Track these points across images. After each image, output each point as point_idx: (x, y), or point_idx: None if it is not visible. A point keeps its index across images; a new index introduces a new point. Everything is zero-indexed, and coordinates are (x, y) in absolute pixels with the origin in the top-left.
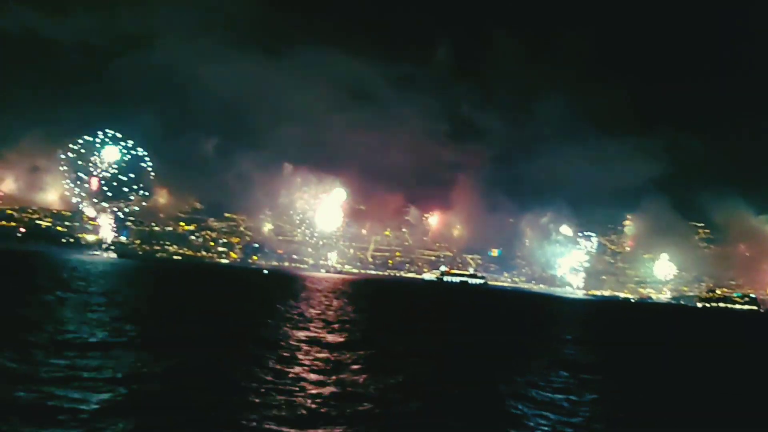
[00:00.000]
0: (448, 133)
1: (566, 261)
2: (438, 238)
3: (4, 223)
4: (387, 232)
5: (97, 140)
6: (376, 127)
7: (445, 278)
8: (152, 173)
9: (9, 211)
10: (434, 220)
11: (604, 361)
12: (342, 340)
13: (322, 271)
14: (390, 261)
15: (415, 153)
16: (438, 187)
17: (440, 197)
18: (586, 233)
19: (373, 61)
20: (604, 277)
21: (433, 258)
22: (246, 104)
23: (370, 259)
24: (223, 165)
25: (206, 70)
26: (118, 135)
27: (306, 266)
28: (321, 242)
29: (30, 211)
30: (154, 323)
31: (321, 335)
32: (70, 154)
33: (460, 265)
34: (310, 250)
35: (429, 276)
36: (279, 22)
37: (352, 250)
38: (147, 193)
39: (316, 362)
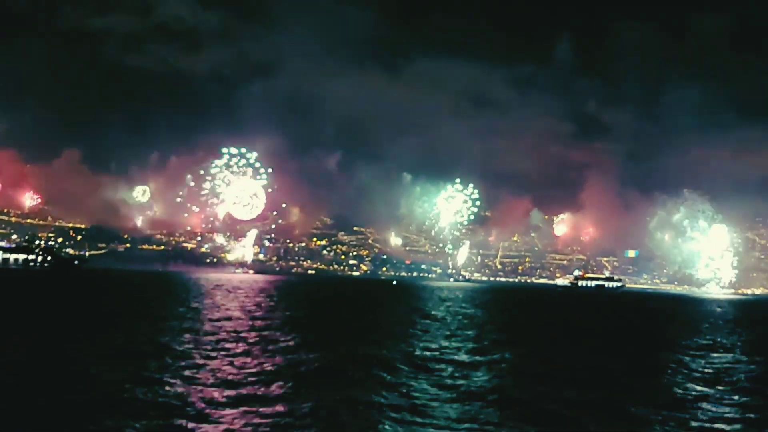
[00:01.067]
0: (573, 133)
1: (708, 259)
2: (569, 241)
3: (155, 247)
4: (515, 238)
5: (231, 164)
6: (499, 132)
7: (580, 283)
8: (281, 193)
9: (158, 236)
10: (564, 222)
11: None
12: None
13: (450, 280)
14: (520, 267)
15: (540, 155)
16: (566, 188)
17: (569, 199)
18: (729, 228)
19: (491, 66)
20: (754, 275)
21: (565, 262)
22: (367, 119)
23: (499, 266)
24: (348, 179)
25: (328, 89)
26: (249, 157)
27: (434, 276)
28: (447, 251)
29: (177, 234)
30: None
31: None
32: (208, 178)
33: (595, 269)
34: (438, 260)
35: (562, 281)
36: (394, 38)
37: (479, 258)
38: (274, 214)
39: None
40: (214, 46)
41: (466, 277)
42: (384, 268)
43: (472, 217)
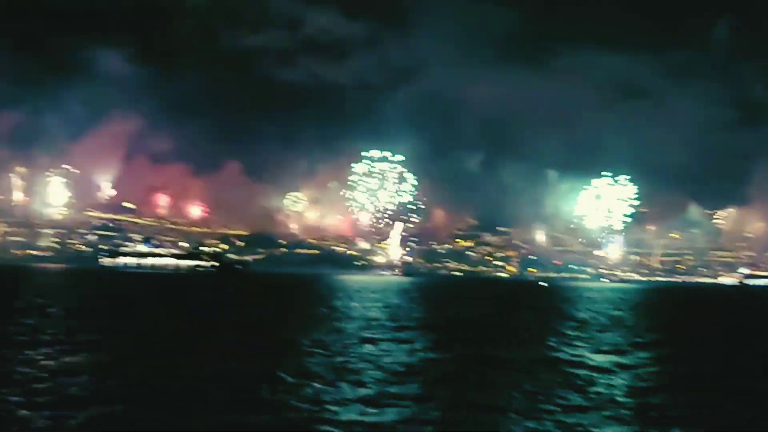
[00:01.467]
0: (736, 120)
1: None
2: (734, 237)
3: (308, 251)
4: (674, 235)
5: (375, 169)
6: (651, 122)
7: (749, 282)
8: (424, 195)
9: (309, 240)
10: (728, 217)
11: None
12: None
13: (603, 280)
14: (679, 266)
15: (699, 146)
16: (729, 180)
17: (732, 192)
18: None
19: (640, 54)
20: None
21: (731, 259)
22: (510, 117)
23: (658, 265)
24: (492, 179)
25: (470, 90)
26: (393, 161)
27: (585, 276)
28: (600, 250)
29: (328, 238)
30: None
31: None
32: (355, 184)
33: (764, 266)
34: (589, 259)
35: (728, 280)
36: (537, 33)
37: (635, 256)
38: (419, 216)
39: None
40: (359, 54)
41: (620, 278)
42: (531, 269)
43: (626, 213)
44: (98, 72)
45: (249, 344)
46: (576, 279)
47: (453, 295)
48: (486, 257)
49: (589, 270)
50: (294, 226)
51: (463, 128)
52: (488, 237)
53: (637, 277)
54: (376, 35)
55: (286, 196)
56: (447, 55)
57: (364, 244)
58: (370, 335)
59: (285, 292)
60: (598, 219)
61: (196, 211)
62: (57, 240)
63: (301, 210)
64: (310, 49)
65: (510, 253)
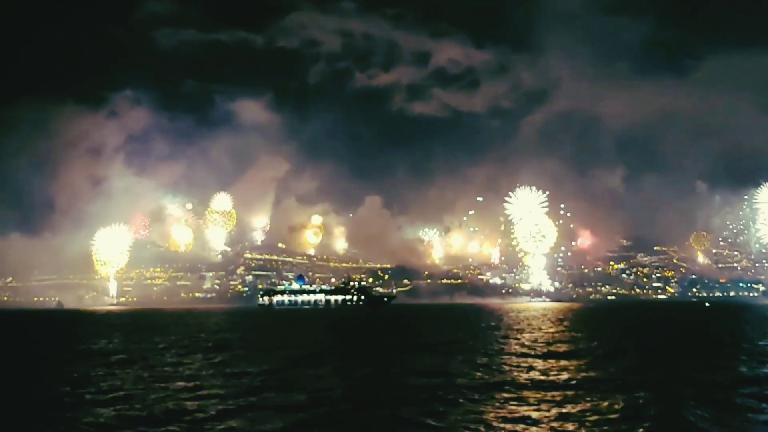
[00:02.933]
0: None
1: None
2: None
3: (453, 281)
4: None
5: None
6: None
7: None
8: (570, 217)
9: (455, 270)
10: None
11: None
12: None
13: None
14: None
15: None
16: None
17: None
18: None
19: None
20: None
21: None
22: (650, 129)
23: None
24: (636, 196)
25: (606, 105)
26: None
27: (756, 294)
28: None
29: (472, 268)
30: None
31: None
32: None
33: None
34: (759, 275)
35: None
36: (675, 39)
37: None
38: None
39: None
40: (491, 82)
41: None
42: (694, 289)
43: None
44: (241, 122)
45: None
46: (745, 297)
47: (611, 320)
48: (643, 279)
49: (761, 287)
50: (437, 257)
51: (602, 145)
52: (643, 258)
53: None
54: (506, 60)
55: (428, 227)
56: (580, 71)
57: (508, 272)
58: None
59: (426, 321)
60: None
61: (342, 247)
62: (218, 282)
63: (443, 240)
64: (442, 80)
65: (668, 273)
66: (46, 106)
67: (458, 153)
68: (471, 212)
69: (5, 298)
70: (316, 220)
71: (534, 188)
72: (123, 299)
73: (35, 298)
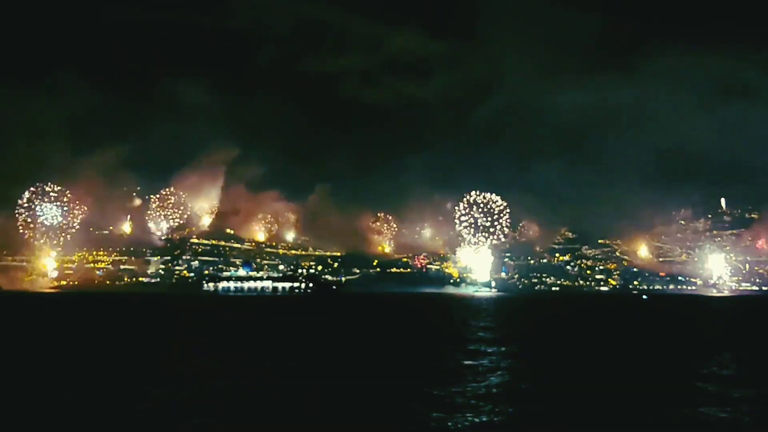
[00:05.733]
0: None
1: None
2: None
3: (402, 270)
4: None
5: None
6: (757, 122)
7: None
8: (514, 209)
9: (404, 259)
10: None
11: None
12: None
13: (714, 291)
14: None
15: None
16: None
17: None
18: None
19: (745, 50)
20: None
21: None
22: (592, 124)
23: None
24: (584, 190)
25: (550, 99)
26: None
27: (693, 287)
28: (705, 259)
29: (422, 257)
30: None
31: None
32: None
33: None
34: (699, 269)
35: None
36: (623, 37)
37: (747, 265)
38: (513, 231)
39: None
40: (443, 72)
41: (734, 287)
42: (635, 282)
43: (727, 219)
44: (184, 103)
45: None
46: (684, 291)
47: (539, 312)
48: (586, 271)
49: (698, 281)
50: (387, 246)
51: (546, 138)
52: (587, 250)
53: (751, 287)
54: (458, 51)
55: (379, 216)
56: (529, 64)
57: (458, 262)
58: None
59: (379, 310)
60: (700, 226)
61: (291, 235)
62: (163, 267)
63: (394, 229)
64: (394, 69)
65: (611, 266)
66: None
67: (408, 142)
68: (419, 202)
69: None
70: (266, 206)
71: (480, 180)
72: (64, 282)
73: None
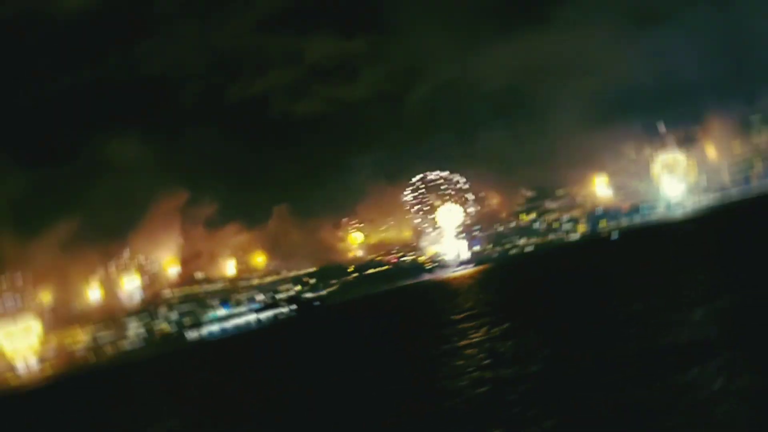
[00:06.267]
0: None
1: None
2: None
3: (376, 269)
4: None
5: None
6: (675, 43)
7: None
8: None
9: (378, 258)
10: None
11: None
12: None
13: (679, 212)
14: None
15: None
16: None
17: None
18: None
19: None
20: None
21: None
22: (526, 81)
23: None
24: (529, 149)
25: (475, 69)
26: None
27: (657, 214)
28: (661, 185)
29: (394, 251)
30: None
31: None
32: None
33: None
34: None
35: None
36: None
37: (705, 178)
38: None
39: None
40: (367, 68)
41: (697, 202)
42: (602, 223)
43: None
44: (120, 160)
45: None
46: (650, 220)
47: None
48: (553, 224)
49: (660, 208)
50: (358, 250)
51: (482, 107)
52: (549, 204)
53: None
54: (378, 45)
55: (342, 224)
56: (445, 40)
57: (429, 248)
58: None
59: (363, 315)
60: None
61: (261, 263)
62: (142, 329)
63: (360, 233)
64: (319, 76)
65: (575, 213)
66: None
67: (351, 143)
68: (376, 199)
69: None
70: (228, 241)
71: (430, 163)
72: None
73: None
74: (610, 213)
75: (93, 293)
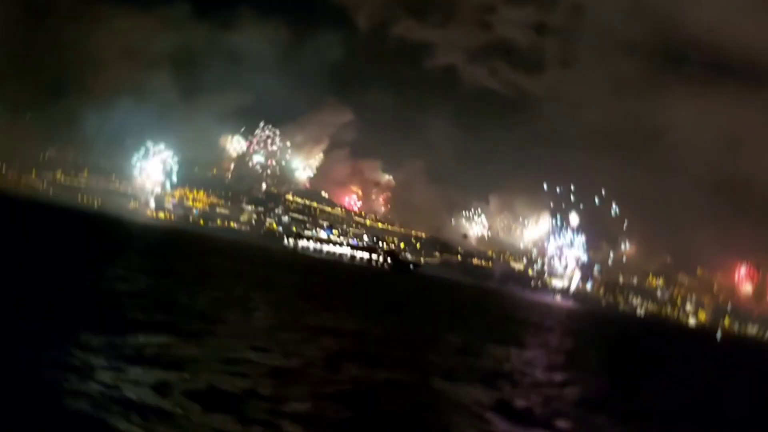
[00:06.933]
0: None
1: None
2: None
3: (483, 263)
4: None
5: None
6: None
7: None
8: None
9: (490, 253)
10: None
11: None
12: None
13: None
14: None
15: None
16: None
17: None
18: None
19: None
20: None
21: None
22: None
23: None
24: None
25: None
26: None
27: None
28: None
29: (507, 254)
30: None
31: None
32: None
33: None
34: None
35: None
36: None
37: None
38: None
39: None
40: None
41: None
42: (726, 320)
43: None
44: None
45: None
46: None
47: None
48: (677, 299)
49: None
50: (475, 235)
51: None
52: (683, 277)
53: None
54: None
55: (472, 204)
56: None
57: (543, 265)
58: None
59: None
60: None
61: (381, 207)
62: (255, 217)
63: (483, 220)
64: (505, 53)
65: (705, 298)
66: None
67: (512, 132)
68: (515, 195)
69: (51, 191)
70: (364, 175)
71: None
72: (162, 215)
73: (79, 198)
74: (742, 314)
75: (228, 167)
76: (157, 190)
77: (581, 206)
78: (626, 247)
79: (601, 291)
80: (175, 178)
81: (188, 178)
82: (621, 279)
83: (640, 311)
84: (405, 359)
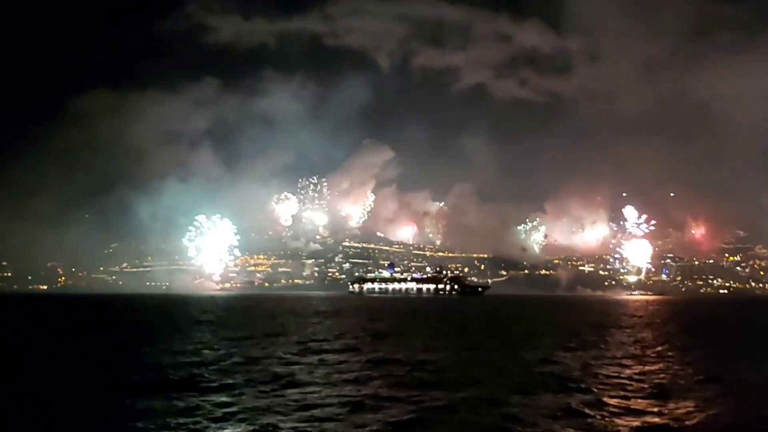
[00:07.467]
0: None
1: None
2: None
3: (552, 272)
4: None
5: None
6: None
7: None
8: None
9: (555, 261)
10: None
11: None
12: None
13: None
14: None
15: None
16: None
17: None
18: None
19: None
20: None
21: None
22: None
23: None
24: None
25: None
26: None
27: None
28: None
29: (574, 258)
30: None
31: None
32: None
33: None
34: None
35: None
36: None
37: None
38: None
39: None
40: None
41: None
42: None
43: None
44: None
45: None
46: None
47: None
48: (760, 272)
49: None
50: (537, 247)
51: None
52: (761, 250)
53: None
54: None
55: (528, 217)
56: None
57: (614, 263)
58: None
59: (514, 312)
60: None
61: (437, 236)
62: (317, 270)
63: (544, 230)
64: (530, 62)
65: None
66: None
67: (553, 136)
68: (571, 198)
69: (120, 283)
70: (420, 207)
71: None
72: (228, 285)
73: (147, 283)
74: None
75: (283, 228)
76: (219, 261)
77: (639, 197)
78: (694, 229)
79: (679, 278)
80: (234, 247)
81: (246, 244)
82: (696, 262)
83: (723, 291)
84: (481, 379)
